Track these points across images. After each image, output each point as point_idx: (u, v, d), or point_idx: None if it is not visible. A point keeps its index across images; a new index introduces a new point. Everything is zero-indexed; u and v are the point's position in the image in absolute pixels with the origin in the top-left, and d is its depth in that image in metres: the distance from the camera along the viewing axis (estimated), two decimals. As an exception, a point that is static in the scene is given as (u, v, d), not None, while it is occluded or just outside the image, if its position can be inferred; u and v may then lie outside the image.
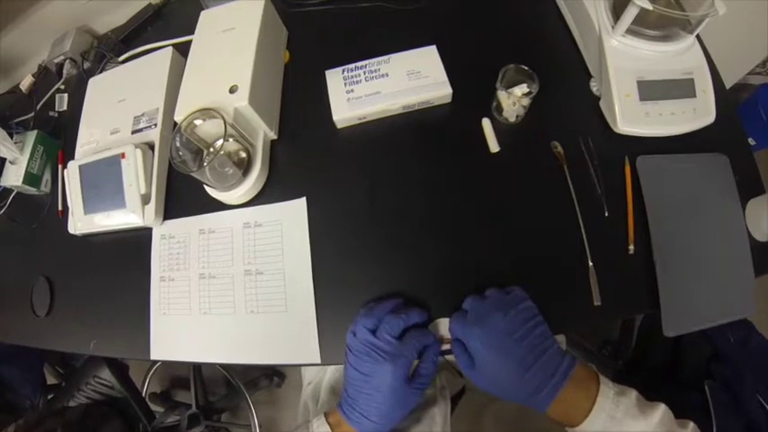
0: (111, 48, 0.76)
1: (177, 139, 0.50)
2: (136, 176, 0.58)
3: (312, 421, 0.43)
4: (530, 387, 0.36)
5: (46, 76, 0.79)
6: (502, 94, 0.51)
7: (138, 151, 0.58)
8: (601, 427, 0.35)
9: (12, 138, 0.68)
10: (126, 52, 0.75)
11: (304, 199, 0.55)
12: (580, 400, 0.36)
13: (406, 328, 0.42)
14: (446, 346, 0.45)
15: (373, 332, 0.41)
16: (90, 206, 0.61)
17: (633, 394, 0.37)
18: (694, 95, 0.52)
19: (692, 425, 0.37)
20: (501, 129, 0.55)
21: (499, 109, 0.54)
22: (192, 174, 0.49)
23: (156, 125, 0.61)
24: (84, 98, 0.69)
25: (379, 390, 0.39)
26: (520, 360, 0.37)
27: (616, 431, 0.35)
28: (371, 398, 0.39)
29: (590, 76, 0.56)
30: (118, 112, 0.64)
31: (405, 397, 0.40)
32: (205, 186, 0.57)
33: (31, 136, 0.69)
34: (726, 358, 0.63)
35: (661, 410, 0.36)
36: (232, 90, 0.52)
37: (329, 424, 0.41)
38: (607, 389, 0.36)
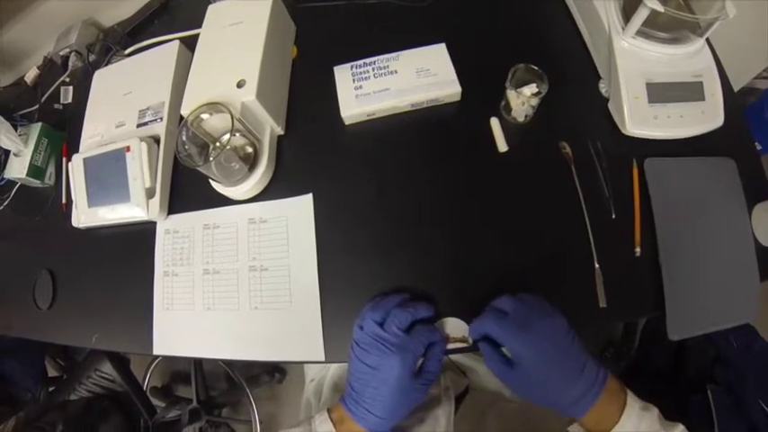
0: (116, 41, 0.75)
1: (183, 132, 0.50)
2: (141, 170, 0.58)
3: (315, 417, 0.42)
4: (571, 398, 0.37)
5: (51, 68, 0.78)
6: (511, 94, 0.51)
7: (144, 145, 0.58)
8: None
9: (16, 130, 0.68)
10: (132, 45, 0.74)
11: (310, 195, 0.55)
12: (612, 411, 0.37)
13: (414, 322, 0.42)
14: (451, 345, 0.45)
15: (381, 325, 0.41)
16: (94, 199, 0.61)
17: (656, 411, 0.38)
18: (703, 98, 0.52)
19: None
20: (509, 128, 0.54)
21: (508, 108, 0.54)
22: (198, 168, 0.49)
23: (161, 119, 0.61)
24: (89, 91, 0.69)
25: (385, 383, 0.39)
26: (567, 372, 0.37)
27: None
28: (378, 392, 0.39)
29: (599, 78, 0.56)
30: (123, 105, 0.64)
31: (410, 392, 0.39)
32: (210, 181, 0.57)
33: (36, 128, 0.69)
34: (729, 362, 0.63)
35: (680, 430, 0.37)
36: (240, 84, 0.52)
37: (332, 420, 0.41)
38: (634, 402, 0.37)
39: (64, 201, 0.68)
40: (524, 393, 0.39)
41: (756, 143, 1.09)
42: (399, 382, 0.39)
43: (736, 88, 0.64)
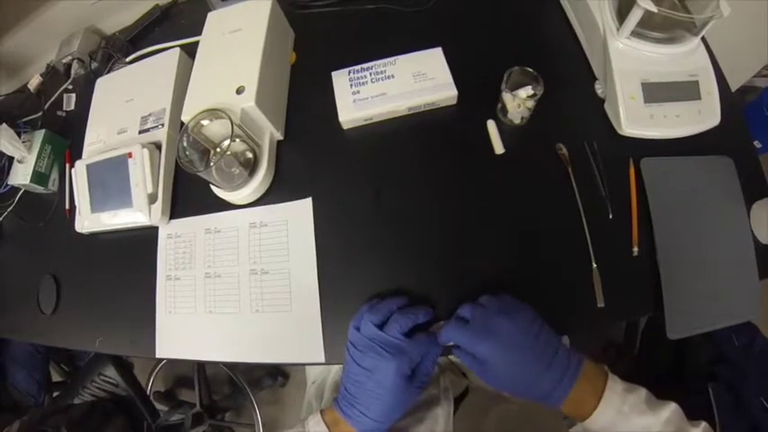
0: (118, 48, 0.76)
1: (184, 138, 0.51)
2: (143, 176, 0.58)
3: (308, 419, 0.42)
4: (543, 390, 0.37)
5: (54, 76, 0.80)
6: (507, 96, 0.51)
7: (145, 151, 0.59)
8: (608, 420, 0.36)
9: (20, 137, 0.69)
10: (133, 53, 0.76)
11: (310, 199, 0.56)
12: (588, 397, 0.37)
13: (414, 327, 0.42)
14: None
15: (380, 327, 0.41)
16: (97, 205, 0.61)
17: (643, 392, 0.38)
18: (699, 98, 0.52)
19: (704, 424, 0.37)
20: (506, 130, 0.55)
21: (504, 111, 0.54)
22: (199, 173, 0.49)
23: (163, 125, 0.61)
24: (91, 98, 0.70)
25: (381, 385, 0.39)
26: (532, 365, 0.37)
27: (623, 425, 0.36)
28: (373, 394, 0.39)
29: (595, 79, 0.56)
30: (125, 111, 0.65)
31: (405, 395, 0.40)
32: (211, 186, 0.57)
33: (39, 135, 0.70)
34: (730, 361, 0.63)
35: (671, 409, 0.37)
36: (239, 91, 0.53)
37: (325, 422, 0.41)
38: (615, 385, 0.37)
39: (67, 206, 0.69)
40: (500, 388, 0.39)
41: (756, 141, 1.10)
42: (395, 385, 0.39)
43: (733, 87, 0.64)
